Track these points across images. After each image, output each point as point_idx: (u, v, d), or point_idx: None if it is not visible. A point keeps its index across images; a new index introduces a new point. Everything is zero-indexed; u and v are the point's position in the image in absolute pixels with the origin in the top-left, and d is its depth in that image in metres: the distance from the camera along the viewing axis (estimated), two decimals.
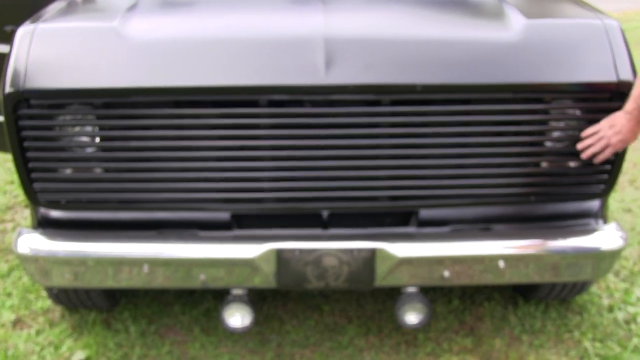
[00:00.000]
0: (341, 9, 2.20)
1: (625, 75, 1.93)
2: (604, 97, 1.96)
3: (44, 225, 2.13)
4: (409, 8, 2.29)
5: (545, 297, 2.64)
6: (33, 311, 2.71)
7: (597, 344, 2.51)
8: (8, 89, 1.89)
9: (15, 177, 3.49)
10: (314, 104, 1.92)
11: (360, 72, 1.89)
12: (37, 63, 1.92)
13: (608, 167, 2.04)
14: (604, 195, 2.12)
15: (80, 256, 2.02)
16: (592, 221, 2.18)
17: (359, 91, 1.89)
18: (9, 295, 2.82)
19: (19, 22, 2.73)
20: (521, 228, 2.15)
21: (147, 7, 2.24)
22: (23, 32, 1.99)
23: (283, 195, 2.01)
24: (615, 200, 3.68)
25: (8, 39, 2.52)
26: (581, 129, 1.98)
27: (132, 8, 2.17)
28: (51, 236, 2.05)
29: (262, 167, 1.97)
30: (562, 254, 2.06)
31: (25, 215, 3.51)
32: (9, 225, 3.42)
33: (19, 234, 2.07)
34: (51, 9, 2.28)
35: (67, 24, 2.09)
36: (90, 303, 2.55)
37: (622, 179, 3.97)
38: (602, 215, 2.19)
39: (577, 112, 2.00)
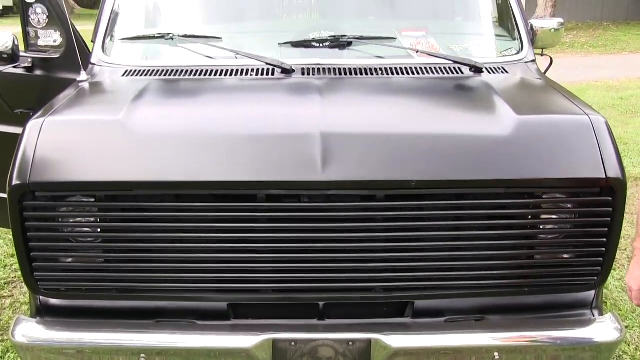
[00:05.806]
0: (338, 102, 2.28)
1: (613, 172, 1.97)
2: (594, 192, 2.01)
3: (42, 313, 2.15)
4: (404, 102, 2.37)
5: None
6: None
7: None
8: (15, 181, 1.94)
9: None
10: (311, 198, 1.97)
11: (356, 168, 1.94)
12: (43, 155, 1.97)
13: (600, 259, 2.07)
14: (597, 286, 2.14)
15: (77, 345, 2.03)
16: (587, 312, 2.18)
17: (355, 187, 1.94)
18: None
19: (29, 107, 2.84)
20: (516, 319, 2.16)
21: (151, 98, 2.33)
22: (33, 125, 2.04)
23: (280, 286, 2.04)
24: (614, 278, 3.68)
25: (19, 121, 2.62)
26: (572, 222, 2.02)
27: (137, 98, 2.24)
28: (48, 325, 2.07)
29: (259, 258, 2.00)
30: (556, 346, 2.06)
31: (24, 290, 3.51)
32: (7, 302, 3.42)
33: (17, 322, 2.08)
34: (61, 97, 2.36)
35: (73, 117, 2.17)
36: None
37: (621, 256, 3.97)
38: (597, 305, 2.20)
39: (569, 206, 2.05)
